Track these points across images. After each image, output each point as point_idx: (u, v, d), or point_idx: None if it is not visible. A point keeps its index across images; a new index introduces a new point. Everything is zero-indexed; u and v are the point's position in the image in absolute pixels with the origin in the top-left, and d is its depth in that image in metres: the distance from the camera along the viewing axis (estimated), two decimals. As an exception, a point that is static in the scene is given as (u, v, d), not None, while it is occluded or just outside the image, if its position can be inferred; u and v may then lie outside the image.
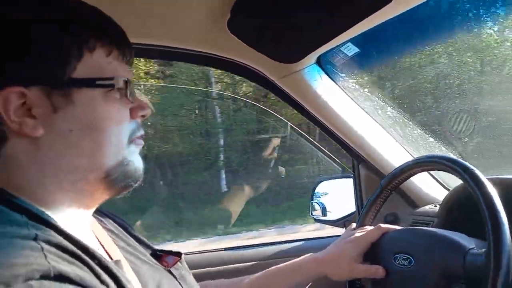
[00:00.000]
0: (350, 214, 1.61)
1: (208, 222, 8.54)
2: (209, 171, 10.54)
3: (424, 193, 1.39)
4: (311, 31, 0.98)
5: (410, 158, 1.37)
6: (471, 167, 0.81)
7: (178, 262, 0.77)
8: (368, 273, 0.92)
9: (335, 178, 1.75)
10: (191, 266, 0.85)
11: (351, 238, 0.97)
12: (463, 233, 0.85)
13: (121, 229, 0.78)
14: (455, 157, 0.87)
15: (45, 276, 0.45)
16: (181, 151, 10.59)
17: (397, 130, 1.41)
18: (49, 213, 0.57)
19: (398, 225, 1.00)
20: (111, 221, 0.78)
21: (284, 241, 1.64)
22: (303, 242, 1.65)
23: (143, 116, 0.67)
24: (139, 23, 1.02)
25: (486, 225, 0.73)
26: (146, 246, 0.78)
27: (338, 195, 1.70)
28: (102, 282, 0.51)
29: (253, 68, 1.22)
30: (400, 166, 1.02)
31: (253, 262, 1.52)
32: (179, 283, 0.74)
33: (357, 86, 1.37)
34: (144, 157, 0.68)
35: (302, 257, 1.00)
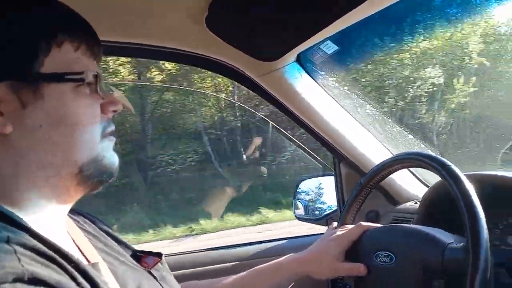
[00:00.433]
0: (332, 212, 1.62)
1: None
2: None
3: (405, 190, 1.41)
4: (290, 29, 0.97)
5: (389, 156, 1.38)
6: (449, 163, 0.82)
7: (159, 263, 0.76)
8: (350, 271, 0.92)
9: (316, 176, 1.76)
10: (173, 267, 0.84)
11: (332, 236, 0.97)
12: (443, 229, 0.86)
13: (99, 230, 0.76)
14: (433, 154, 0.88)
15: (19, 279, 0.44)
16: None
17: (377, 128, 1.42)
18: (23, 214, 0.55)
19: (379, 222, 1.01)
20: (88, 221, 0.76)
21: (267, 240, 1.64)
22: (286, 240, 1.65)
23: (114, 111, 0.66)
24: (115, 21, 1.00)
25: (464, 220, 0.74)
26: (126, 247, 0.77)
27: (320, 193, 1.70)
28: (79, 284, 0.51)
29: (232, 66, 1.21)
30: (379, 163, 1.02)
31: (235, 262, 1.51)
32: (160, 284, 0.73)
33: (336, 84, 1.37)
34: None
35: (284, 257, 1.00)
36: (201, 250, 1.56)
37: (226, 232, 8.03)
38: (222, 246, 1.60)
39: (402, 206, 1.37)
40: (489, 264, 0.70)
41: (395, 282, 0.85)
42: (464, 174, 0.80)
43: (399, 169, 1.01)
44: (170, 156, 10.38)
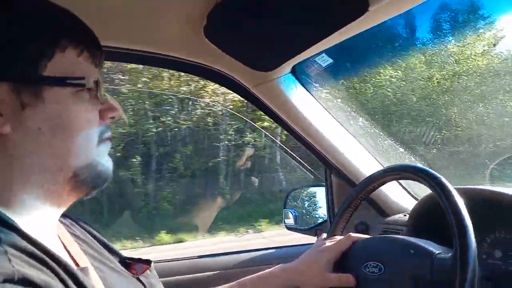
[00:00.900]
0: (322, 222, 1.62)
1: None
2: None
3: (394, 203, 1.42)
4: (287, 40, 0.99)
5: (380, 168, 1.40)
6: (439, 176, 0.84)
7: (147, 270, 0.76)
8: (339, 282, 0.93)
9: (307, 186, 1.77)
10: (162, 275, 0.83)
11: (322, 247, 0.98)
12: (431, 241, 0.87)
13: (89, 235, 0.76)
14: (423, 167, 0.90)
15: (8, 280, 0.44)
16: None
17: (368, 140, 1.44)
18: (15, 215, 0.55)
19: (369, 234, 1.02)
20: (79, 227, 0.76)
21: (256, 249, 1.64)
22: (275, 250, 1.65)
23: (112, 117, 0.67)
24: (115, 27, 1.01)
25: (452, 231, 0.75)
26: (115, 253, 0.77)
27: (310, 204, 1.71)
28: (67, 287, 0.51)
29: (228, 75, 1.22)
30: (370, 175, 1.03)
31: (225, 270, 1.51)
32: None
33: (330, 97, 1.39)
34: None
35: (273, 268, 1.00)
36: (190, 258, 1.55)
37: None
38: (211, 254, 1.59)
39: (391, 218, 1.39)
40: (477, 274, 0.71)
41: (384, 292, 0.86)
42: (454, 188, 0.81)
43: (389, 181, 1.02)
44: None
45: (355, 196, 1.04)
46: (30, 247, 0.51)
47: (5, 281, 0.44)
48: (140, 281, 0.73)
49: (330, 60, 1.15)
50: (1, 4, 0.57)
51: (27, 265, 0.48)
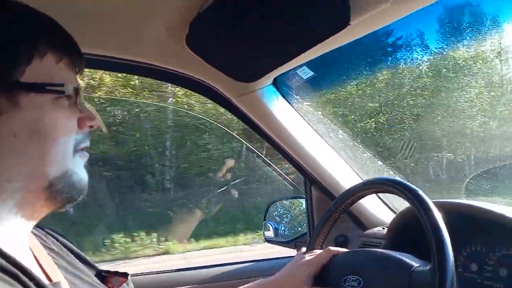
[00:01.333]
0: (302, 234, 1.62)
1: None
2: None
3: (373, 216, 1.43)
4: (268, 52, 0.99)
5: (359, 180, 1.41)
6: (416, 189, 0.85)
7: (124, 284, 0.74)
8: None
9: (288, 198, 1.76)
10: (138, 288, 0.81)
11: (301, 261, 0.98)
12: (410, 254, 0.88)
13: (63, 248, 0.74)
14: (402, 180, 0.91)
15: None
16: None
17: (348, 153, 1.45)
18: None
19: (348, 247, 1.02)
20: (53, 239, 0.74)
21: (236, 262, 1.62)
22: (256, 262, 1.63)
23: (91, 126, 0.66)
24: (97, 34, 1.00)
25: (430, 244, 0.76)
26: (90, 266, 0.75)
27: (290, 216, 1.71)
28: None
29: (210, 85, 1.22)
30: (349, 189, 1.04)
31: (204, 284, 1.49)
32: None
33: (311, 109, 1.40)
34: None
35: (253, 282, 1.00)
36: (168, 271, 1.52)
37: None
38: (190, 267, 1.57)
39: (370, 231, 1.39)
40: (455, 285, 0.72)
41: (363, 306, 0.86)
42: (432, 201, 0.82)
43: (368, 194, 1.03)
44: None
45: (334, 209, 1.04)
46: (1, 261, 0.50)
47: None
48: None
49: (311, 73, 1.16)
50: None
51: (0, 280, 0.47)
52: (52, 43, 0.60)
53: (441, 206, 0.84)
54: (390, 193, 0.93)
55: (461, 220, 0.99)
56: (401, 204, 1.26)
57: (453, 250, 0.75)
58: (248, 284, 0.99)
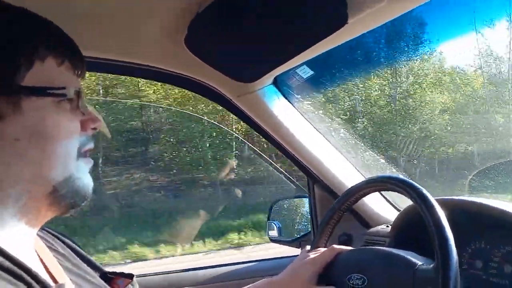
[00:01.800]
0: (306, 234, 1.62)
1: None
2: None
3: (376, 214, 1.43)
4: (268, 52, 0.99)
5: (362, 179, 1.40)
6: (419, 187, 0.84)
7: (130, 285, 0.74)
8: None
9: (291, 198, 1.76)
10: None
11: (305, 260, 0.97)
12: (414, 252, 0.88)
13: (68, 250, 0.75)
14: (404, 178, 0.90)
15: None
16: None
17: (350, 152, 1.45)
18: None
19: (352, 245, 1.01)
20: (58, 241, 0.75)
21: (241, 261, 1.62)
22: (260, 262, 1.63)
23: (94, 129, 0.66)
24: (96, 37, 1.00)
25: (433, 242, 0.76)
26: (96, 268, 0.75)
27: (294, 215, 1.71)
28: None
29: (210, 86, 1.22)
30: (352, 187, 1.04)
31: (209, 284, 1.49)
32: None
33: (312, 108, 1.40)
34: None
35: (258, 281, 0.99)
36: (174, 271, 1.53)
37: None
38: (195, 268, 1.57)
39: (374, 229, 1.39)
40: (458, 285, 0.71)
41: (367, 305, 0.85)
42: (435, 199, 0.82)
43: (371, 192, 1.02)
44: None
45: (337, 208, 1.04)
46: (7, 263, 0.50)
47: None
48: None
49: (311, 72, 1.16)
50: None
51: (4, 281, 0.47)
52: (53, 47, 0.60)
53: (444, 203, 0.83)
54: (393, 191, 0.93)
55: (465, 217, 0.98)
56: (405, 202, 1.25)
57: (457, 247, 0.75)
58: (253, 284, 0.99)
